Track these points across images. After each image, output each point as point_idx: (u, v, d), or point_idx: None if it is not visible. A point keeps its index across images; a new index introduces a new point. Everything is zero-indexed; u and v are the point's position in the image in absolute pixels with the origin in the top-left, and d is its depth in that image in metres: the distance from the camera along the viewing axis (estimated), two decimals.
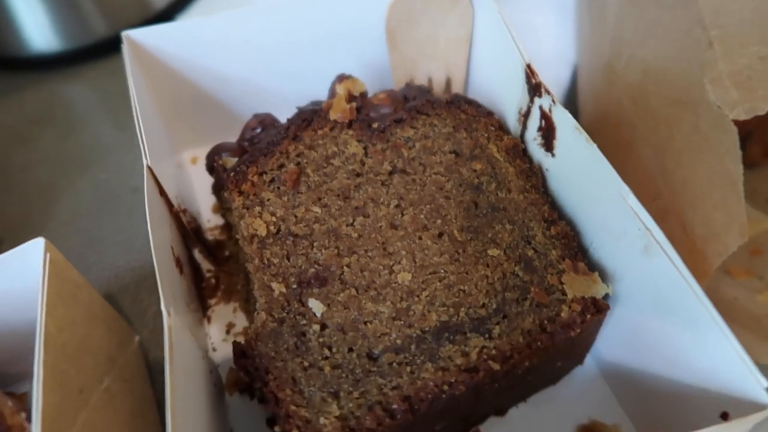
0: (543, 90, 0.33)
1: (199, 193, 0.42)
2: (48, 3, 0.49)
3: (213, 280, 0.38)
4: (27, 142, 0.46)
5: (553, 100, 0.32)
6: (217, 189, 0.37)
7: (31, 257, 0.26)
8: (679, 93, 0.29)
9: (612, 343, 0.33)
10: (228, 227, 0.39)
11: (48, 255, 0.26)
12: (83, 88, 0.50)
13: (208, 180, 0.41)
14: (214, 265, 0.38)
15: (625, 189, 0.28)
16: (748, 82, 0.25)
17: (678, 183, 0.30)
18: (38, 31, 0.51)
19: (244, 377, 0.33)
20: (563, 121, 0.32)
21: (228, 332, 0.36)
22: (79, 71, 0.51)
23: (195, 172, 0.43)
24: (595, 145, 0.29)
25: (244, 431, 0.33)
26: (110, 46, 0.53)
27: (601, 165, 0.29)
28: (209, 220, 0.41)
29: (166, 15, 0.54)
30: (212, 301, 0.37)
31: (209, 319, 0.37)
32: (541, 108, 0.33)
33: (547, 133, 0.33)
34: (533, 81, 0.33)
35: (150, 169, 0.31)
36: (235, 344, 0.29)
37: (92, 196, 0.43)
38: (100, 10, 0.52)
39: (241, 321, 0.37)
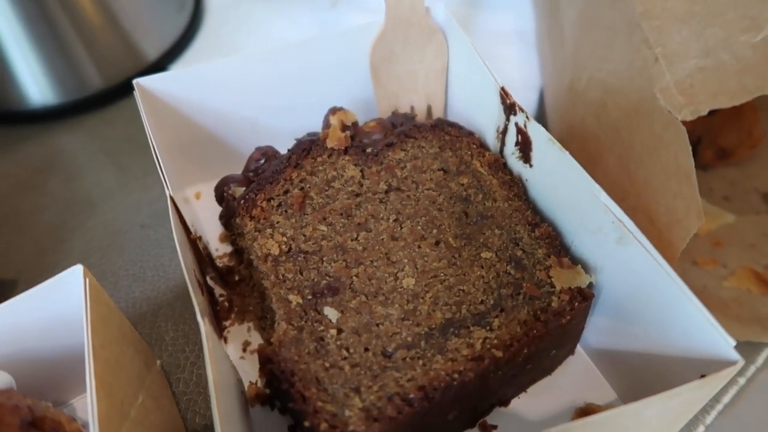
0: (517, 108, 0.37)
1: (205, 225, 0.44)
2: (45, 60, 0.52)
3: (226, 303, 0.40)
4: (34, 189, 0.49)
5: (527, 117, 0.36)
6: (228, 217, 0.39)
7: (71, 282, 0.28)
8: (635, 104, 0.34)
9: (599, 331, 0.36)
10: (237, 253, 0.42)
11: (87, 279, 0.29)
12: (84, 137, 0.53)
13: (213, 213, 0.44)
14: (225, 289, 0.41)
15: (597, 188, 0.32)
16: (690, 89, 0.30)
17: (641, 182, 0.35)
18: (37, 86, 0.53)
19: (266, 388, 0.35)
20: (537, 134, 0.36)
21: (244, 350, 0.38)
22: (79, 121, 0.54)
23: (200, 206, 0.46)
24: (567, 153, 0.34)
25: None
26: (107, 98, 0.56)
27: (575, 169, 0.33)
28: (217, 249, 0.43)
29: (158, 65, 0.58)
30: (227, 323, 0.40)
31: (225, 340, 0.39)
32: (516, 125, 0.38)
33: (524, 146, 0.38)
34: (508, 101, 0.38)
35: (172, 198, 0.33)
36: (261, 351, 0.31)
37: (102, 234, 0.45)
38: (95, 65, 0.55)
39: (256, 339, 0.39)
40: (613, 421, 0.26)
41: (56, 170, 0.50)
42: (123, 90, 0.56)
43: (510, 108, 0.38)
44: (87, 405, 0.25)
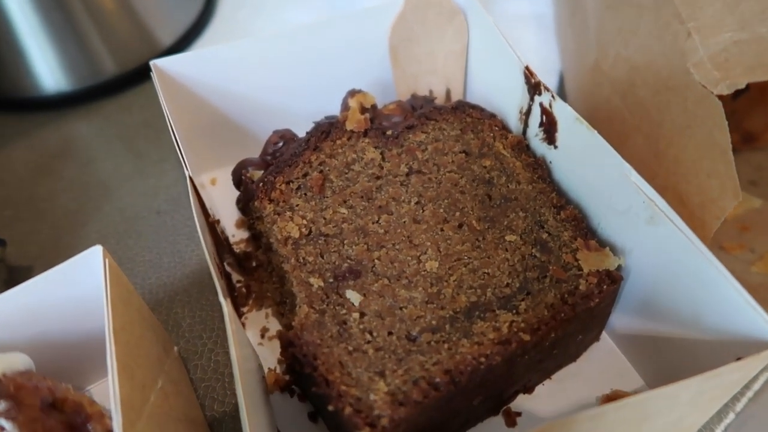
0: (542, 87, 0.36)
1: (221, 211, 0.44)
2: (60, 47, 0.52)
3: (244, 289, 0.40)
4: (51, 174, 0.48)
5: (552, 96, 0.35)
6: (246, 201, 0.39)
7: (90, 263, 0.28)
8: (666, 81, 0.33)
9: (626, 316, 0.36)
10: (255, 238, 0.41)
11: (106, 260, 0.28)
12: (99, 123, 0.52)
13: (229, 199, 0.43)
14: (243, 275, 0.40)
15: (627, 167, 0.31)
16: (726, 63, 0.29)
17: (671, 161, 0.34)
18: (52, 74, 0.53)
19: (286, 373, 0.35)
20: (564, 113, 0.35)
21: (263, 336, 0.38)
22: (94, 108, 0.54)
23: (215, 192, 0.46)
24: (596, 132, 0.33)
25: (286, 426, 0.34)
26: (121, 84, 0.55)
27: (603, 149, 0.32)
28: (234, 234, 0.43)
29: (172, 51, 0.57)
30: (245, 309, 0.39)
31: (243, 326, 0.38)
32: (541, 105, 0.37)
33: (549, 127, 0.37)
34: (533, 81, 0.37)
35: (191, 179, 0.33)
36: (282, 335, 0.31)
37: (118, 219, 0.45)
38: (110, 52, 0.54)
39: (274, 325, 0.38)
40: (647, 404, 0.25)
41: (72, 156, 0.50)
42: (137, 76, 0.55)
43: (535, 87, 0.37)
44: (108, 388, 0.24)
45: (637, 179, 0.31)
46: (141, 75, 0.55)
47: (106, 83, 0.55)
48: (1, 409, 0.22)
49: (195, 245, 0.43)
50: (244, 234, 0.43)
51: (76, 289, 0.28)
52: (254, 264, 0.41)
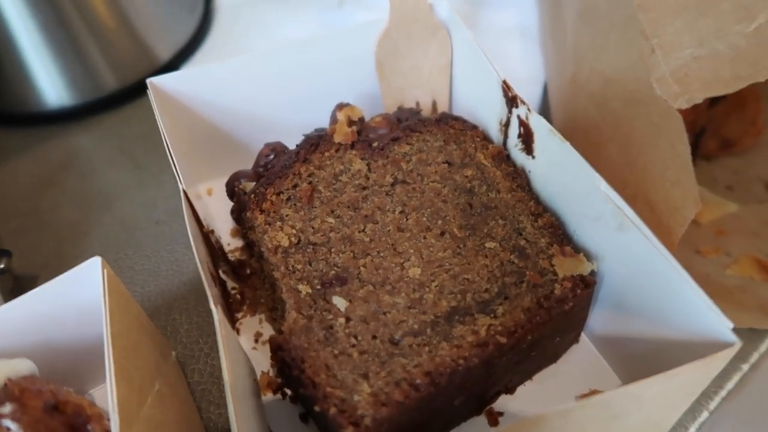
0: (519, 101, 0.38)
1: (217, 220, 0.46)
2: (61, 63, 0.54)
3: (238, 296, 0.41)
4: (54, 186, 0.50)
5: (528, 109, 0.37)
6: (239, 211, 0.41)
7: (90, 273, 0.30)
8: (633, 94, 0.35)
9: (602, 319, 0.37)
10: (248, 246, 0.43)
11: (105, 270, 0.30)
12: (100, 136, 0.54)
13: (225, 208, 0.45)
14: (237, 282, 0.42)
15: (597, 177, 0.33)
16: (685, 78, 0.30)
17: (641, 170, 0.35)
18: (54, 89, 0.55)
19: (278, 376, 0.36)
20: (539, 126, 0.37)
21: (256, 341, 0.40)
22: (95, 121, 0.56)
23: (212, 201, 0.47)
24: (568, 143, 0.34)
25: (279, 427, 0.36)
26: (121, 98, 0.57)
27: (576, 159, 0.34)
28: (229, 243, 0.45)
29: (171, 66, 0.59)
30: (239, 315, 0.41)
31: (238, 331, 0.40)
32: (518, 117, 0.38)
33: (526, 138, 0.38)
34: (510, 94, 0.38)
35: (185, 192, 0.35)
36: (272, 339, 0.33)
37: (119, 229, 0.47)
38: (110, 67, 0.56)
39: (267, 330, 0.40)
40: (612, 402, 0.27)
41: (74, 168, 0.52)
42: (137, 90, 0.57)
43: (512, 101, 0.38)
44: (106, 391, 0.26)
45: (607, 189, 0.32)
46: (140, 89, 0.56)
47: (107, 97, 0.57)
48: (7, 411, 0.24)
49: (192, 254, 0.45)
50: (238, 242, 0.45)
51: (77, 298, 0.30)
52: (248, 271, 0.43)
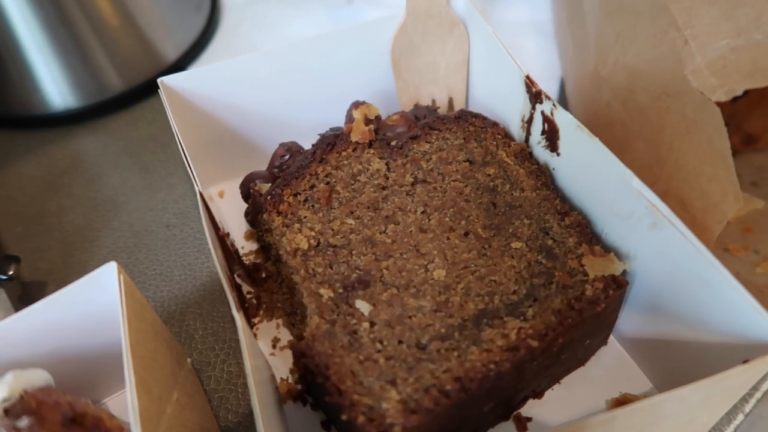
0: (543, 96, 0.37)
1: (230, 223, 0.44)
2: (66, 65, 0.53)
3: (254, 301, 0.40)
4: (60, 190, 0.49)
5: (554, 104, 0.36)
6: (254, 213, 0.39)
7: (105, 279, 0.29)
8: (664, 87, 0.33)
9: (632, 320, 0.36)
10: (264, 250, 0.42)
11: (121, 276, 0.29)
12: (106, 138, 0.53)
13: (237, 211, 0.44)
14: (253, 286, 0.41)
15: (628, 173, 0.32)
16: (723, 70, 0.29)
17: (672, 166, 0.34)
18: (58, 91, 0.54)
19: (298, 383, 0.35)
20: (565, 121, 0.36)
21: (274, 347, 0.38)
22: (101, 124, 0.54)
23: (223, 204, 0.46)
24: (597, 139, 0.33)
25: None
26: (127, 100, 0.56)
27: (605, 155, 0.33)
28: (243, 246, 0.43)
29: (177, 66, 0.58)
30: (255, 320, 0.40)
31: (255, 336, 0.39)
32: (543, 113, 0.37)
33: (551, 135, 0.37)
34: (533, 90, 0.37)
35: (201, 194, 0.33)
36: (295, 346, 0.31)
37: (127, 233, 0.46)
38: (115, 68, 0.55)
39: (285, 335, 0.39)
40: (658, 407, 0.26)
41: (80, 172, 0.51)
42: (143, 92, 0.56)
43: (536, 96, 0.37)
44: (127, 401, 0.25)
45: (639, 185, 0.31)
46: (147, 91, 0.56)
47: (113, 99, 0.56)
48: (24, 426, 0.23)
49: (205, 258, 0.44)
50: (253, 245, 0.44)
51: (92, 305, 0.29)
52: (264, 275, 0.41)
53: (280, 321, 0.40)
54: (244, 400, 0.37)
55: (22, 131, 0.55)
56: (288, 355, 0.37)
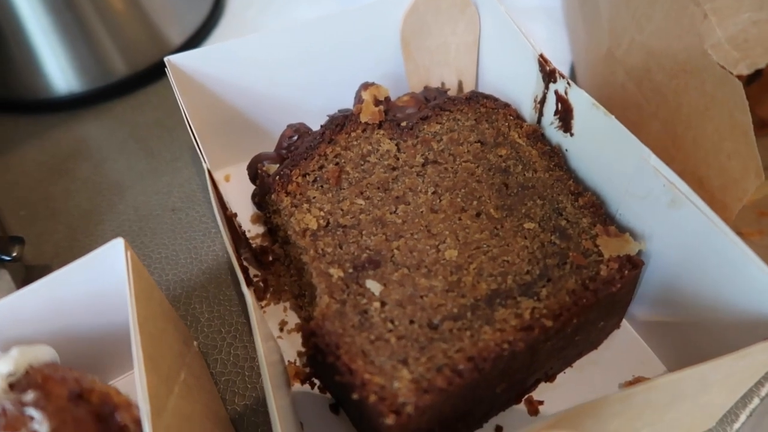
0: (557, 75, 0.36)
1: (236, 207, 0.44)
2: (70, 49, 0.52)
3: (261, 284, 0.40)
4: (65, 174, 0.48)
5: (568, 83, 0.35)
6: (262, 194, 0.39)
7: (112, 255, 0.28)
8: (683, 64, 0.33)
9: (646, 302, 0.35)
10: (271, 233, 0.41)
11: (128, 252, 0.28)
12: (111, 123, 0.53)
13: (243, 195, 0.43)
14: (260, 269, 0.40)
15: (646, 151, 0.31)
16: (745, 43, 0.29)
17: (690, 145, 0.33)
18: (63, 75, 0.53)
19: (306, 366, 0.35)
20: (580, 100, 0.35)
21: (281, 329, 0.38)
22: (106, 108, 0.54)
23: (230, 188, 0.46)
24: (613, 117, 0.33)
25: (307, 418, 0.34)
26: (132, 84, 0.55)
27: (622, 133, 0.32)
28: (249, 230, 0.43)
29: (182, 51, 0.57)
30: (263, 303, 0.39)
31: None
32: (556, 92, 0.37)
33: (565, 114, 0.37)
34: (547, 68, 0.37)
35: (209, 172, 0.33)
36: (304, 326, 0.31)
37: (133, 217, 0.45)
38: (120, 52, 0.55)
39: (292, 319, 0.38)
40: (677, 385, 0.25)
41: (86, 156, 0.50)
42: (148, 76, 0.55)
43: (549, 75, 0.37)
44: (135, 378, 0.24)
45: (657, 163, 0.30)
46: (152, 75, 0.55)
47: (117, 83, 0.55)
48: (30, 400, 0.22)
49: (211, 242, 0.43)
50: (259, 229, 0.43)
51: (99, 283, 0.28)
52: (271, 258, 0.41)
53: (287, 304, 0.39)
54: (250, 383, 0.36)
55: (27, 116, 0.54)
56: (296, 338, 0.37)
